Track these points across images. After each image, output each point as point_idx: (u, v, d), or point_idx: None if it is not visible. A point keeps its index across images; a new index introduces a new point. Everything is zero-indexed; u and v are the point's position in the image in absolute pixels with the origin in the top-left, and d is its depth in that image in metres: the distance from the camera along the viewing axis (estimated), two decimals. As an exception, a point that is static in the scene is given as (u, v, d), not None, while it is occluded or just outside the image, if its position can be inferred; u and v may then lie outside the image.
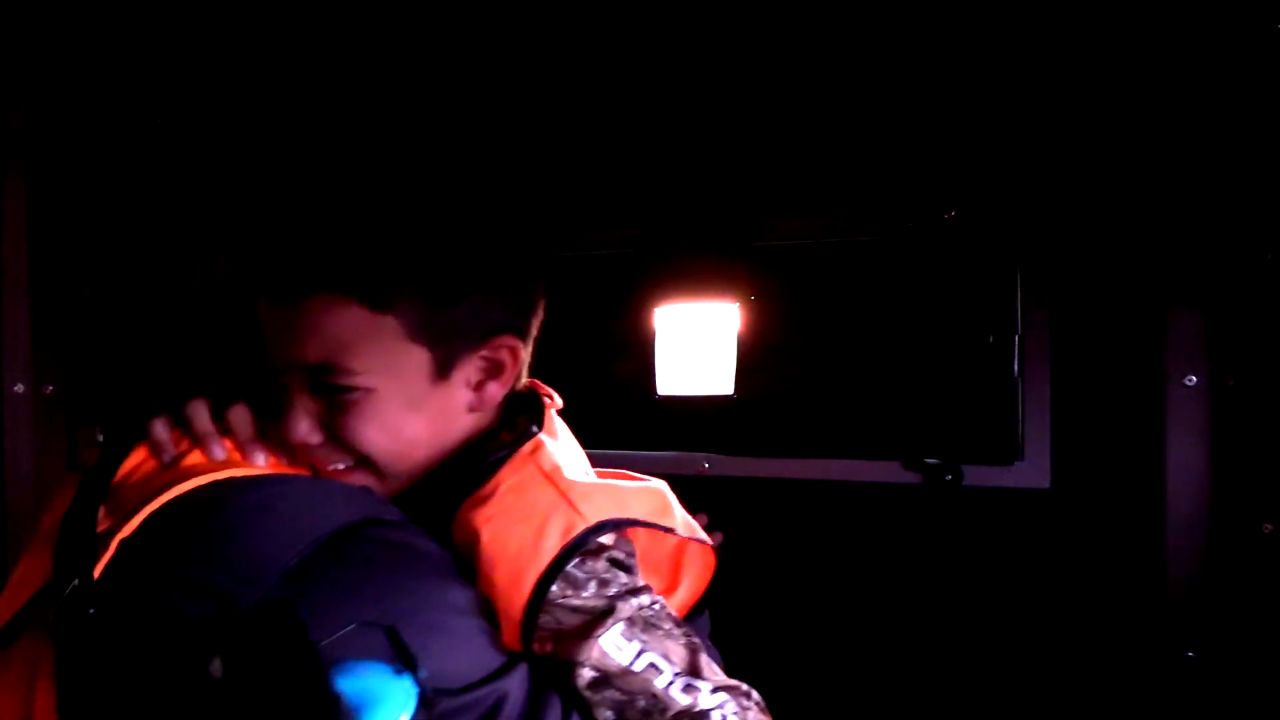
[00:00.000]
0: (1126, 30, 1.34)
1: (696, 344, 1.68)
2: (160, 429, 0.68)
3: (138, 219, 1.50)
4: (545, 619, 0.65)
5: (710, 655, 0.69)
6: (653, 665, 0.64)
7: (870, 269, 1.58)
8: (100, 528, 0.59)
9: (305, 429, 0.70)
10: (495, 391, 0.76)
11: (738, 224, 1.65)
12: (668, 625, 0.67)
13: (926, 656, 1.51)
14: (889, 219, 1.55)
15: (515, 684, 0.61)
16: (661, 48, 1.49)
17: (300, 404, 0.70)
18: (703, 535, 0.83)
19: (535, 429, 0.76)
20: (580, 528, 0.68)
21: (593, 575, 0.67)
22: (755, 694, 0.67)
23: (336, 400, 0.70)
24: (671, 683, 0.63)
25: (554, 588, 0.65)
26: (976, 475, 1.48)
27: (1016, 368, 1.47)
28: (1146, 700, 1.38)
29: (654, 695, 0.63)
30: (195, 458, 0.66)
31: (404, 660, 0.47)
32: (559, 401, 0.84)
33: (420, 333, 0.70)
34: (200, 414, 0.69)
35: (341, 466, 0.73)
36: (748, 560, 1.24)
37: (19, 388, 1.62)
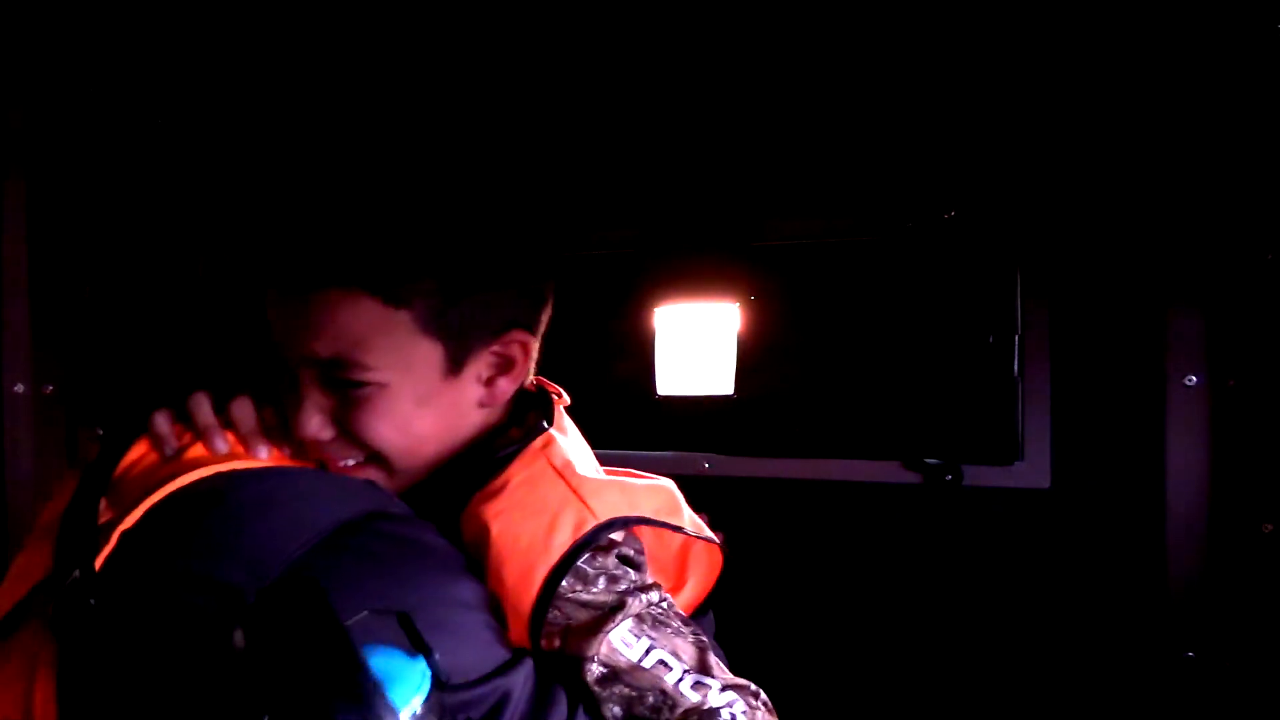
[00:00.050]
0: (1126, 30, 1.34)
1: (696, 344, 1.68)
2: (162, 422, 0.68)
3: (138, 217, 1.50)
4: (554, 614, 0.65)
5: (717, 655, 0.69)
6: (662, 662, 0.64)
7: (870, 269, 1.58)
8: (101, 520, 0.59)
9: (316, 425, 0.70)
10: (506, 387, 0.76)
11: (738, 224, 1.65)
12: (676, 623, 0.67)
13: (927, 656, 1.51)
14: (889, 219, 1.55)
15: (520, 680, 0.60)
16: (662, 48, 1.49)
17: (311, 399, 0.70)
18: (710, 534, 0.83)
19: (546, 424, 0.76)
20: (591, 524, 0.68)
21: (603, 571, 0.67)
22: (763, 694, 0.67)
23: (348, 395, 0.69)
24: (681, 679, 0.63)
25: (564, 583, 0.65)
26: (976, 475, 1.48)
27: (1016, 368, 1.47)
28: (1146, 700, 1.38)
29: (663, 691, 0.63)
30: (197, 450, 0.65)
31: (417, 645, 0.47)
32: (567, 399, 0.84)
33: (433, 327, 0.70)
34: (202, 407, 0.69)
35: (351, 463, 0.72)
36: (748, 560, 1.24)
37: (19, 388, 1.62)
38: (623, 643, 0.64)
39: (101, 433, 0.70)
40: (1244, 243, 1.30)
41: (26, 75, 1.57)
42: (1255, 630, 1.29)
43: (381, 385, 0.69)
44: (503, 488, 0.70)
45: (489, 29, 1.44)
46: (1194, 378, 1.35)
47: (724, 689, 0.64)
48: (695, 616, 0.81)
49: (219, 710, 0.46)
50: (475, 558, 0.67)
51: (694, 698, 0.62)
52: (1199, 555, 1.35)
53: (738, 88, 1.54)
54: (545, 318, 0.80)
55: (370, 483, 0.69)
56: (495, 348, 0.74)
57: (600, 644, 0.63)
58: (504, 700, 0.58)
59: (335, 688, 0.41)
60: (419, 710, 0.45)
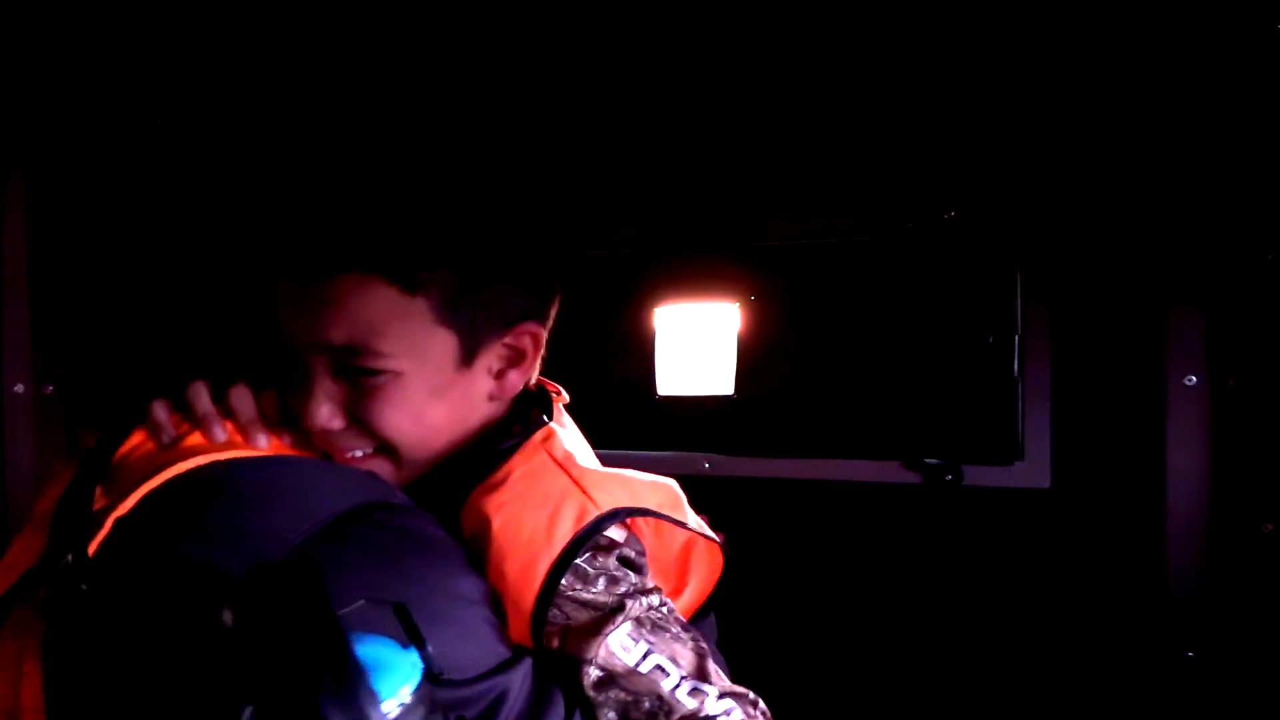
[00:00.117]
0: (1126, 30, 1.34)
1: (696, 344, 1.68)
2: (160, 410, 0.67)
3: (139, 213, 1.50)
4: (554, 613, 0.64)
5: (717, 662, 0.68)
6: (659, 667, 0.63)
7: (870, 269, 1.58)
8: (96, 507, 0.58)
9: (326, 414, 0.69)
10: (515, 380, 0.76)
11: (738, 224, 1.65)
12: (676, 628, 0.67)
13: (927, 656, 1.51)
14: (889, 219, 1.55)
15: (518, 680, 0.60)
16: (662, 49, 1.49)
17: (321, 388, 0.69)
18: (710, 533, 0.82)
19: (546, 418, 0.76)
20: (593, 514, 0.67)
21: (603, 571, 0.66)
22: (761, 702, 0.66)
23: (361, 384, 0.69)
24: (678, 685, 0.62)
25: (564, 580, 0.65)
26: (976, 475, 1.48)
27: (1016, 368, 1.47)
28: (1146, 700, 1.38)
29: (660, 697, 0.62)
30: (196, 439, 0.65)
31: (412, 636, 0.47)
32: (566, 396, 0.84)
33: (448, 317, 0.70)
34: (201, 395, 0.68)
35: (359, 454, 0.72)
36: (748, 560, 1.24)
37: (19, 388, 1.62)
38: (621, 646, 0.63)
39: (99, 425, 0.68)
40: (1244, 243, 1.30)
41: (26, 75, 1.57)
42: (1255, 630, 1.29)
43: (396, 374, 0.68)
44: (504, 480, 0.69)
45: (492, 30, 1.44)
46: (1194, 378, 1.35)
47: (721, 696, 0.63)
48: (697, 618, 0.80)
49: (205, 688, 0.45)
50: (475, 552, 0.66)
51: (690, 704, 0.62)
52: (1199, 555, 1.35)
53: (738, 89, 1.54)
54: (554, 313, 0.80)
55: (371, 474, 0.68)
56: (507, 340, 0.74)
57: (598, 647, 0.63)
58: (501, 698, 0.58)
59: (320, 671, 0.40)
60: (408, 700, 0.44)
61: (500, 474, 0.70)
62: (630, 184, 1.68)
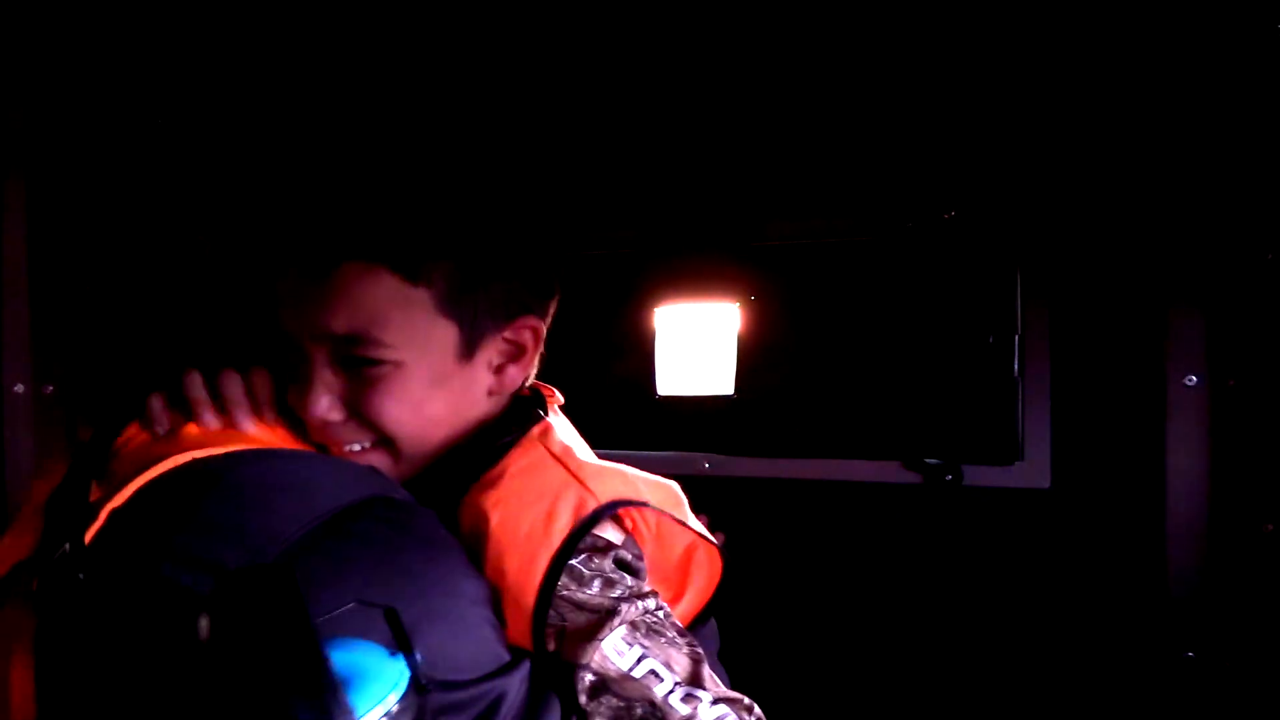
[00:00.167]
0: (1126, 30, 1.34)
1: (696, 344, 1.68)
2: (156, 402, 0.67)
3: (140, 205, 1.50)
4: (551, 614, 0.63)
5: (716, 671, 0.67)
6: (653, 672, 0.62)
7: (870, 269, 1.58)
8: (91, 499, 0.57)
9: (326, 405, 0.69)
10: (515, 375, 0.76)
11: (738, 224, 1.65)
12: (671, 633, 0.66)
13: (927, 656, 1.51)
14: (889, 219, 1.55)
15: (516, 684, 0.59)
16: (662, 49, 1.49)
17: (321, 379, 0.69)
18: (709, 536, 0.82)
19: (542, 414, 0.76)
20: (592, 505, 0.66)
21: (599, 573, 0.65)
22: (757, 709, 0.65)
23: (361, 374, 0.68)
24: (671, 691, 0.61)
25: (560, 579, 0.64)
26: (976, 475, 1.48)
27: (1016, 368, 1.47)
28: (1146, 700, 1.38)
29: (652, 703, 0.61)
30: (192, 431, 0.64)
31: (400, 643, 0.46)
32: (560, 398, 0.84)
33: (450, 309, 0.70)
34: (195, 384, 0.68)
35: (358, 447, 0.71)
36: (748, 560, 1.24)
37: (19, 388, 1.62)
38: (615, 651, 0.62)
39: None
40: (1244, 243, 1.30)
41: (26, 75, 1.57)
42: (1255, 630, 1.29)
43: (397, 364, 0.68)
44: (500, 476, 0.69)
45: (494, 29, 1.44)
46: (1194, 378, 1.35)
47: (715, 702, 0.62)
48: (695, 625, 0.79)
49: (182, 696, 0.45)
50: (473, 550, 0.65)
51: (683, 710, 0.61)
52: (1199, 555, 1.35)
53: (738, 89, 1.54)
54: (553, 308, 0.80)
55: (372, 468, 0.68)
56: (507, 334, 0.75)
57: (593, 651, 0.61)
58: (498, 702, 0.57)
59: (293, 686, 0.40)
60: (394, 709, 0.43)
61: (497, 470, 0.69)
62: (630, 184, 1.68)
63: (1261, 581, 1.28)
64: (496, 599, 0.64)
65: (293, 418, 0.71)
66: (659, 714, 0.61)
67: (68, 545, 0.53)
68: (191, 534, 0.53)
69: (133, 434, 0.65)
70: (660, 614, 0.66)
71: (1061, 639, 1.44)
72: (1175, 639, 1.36)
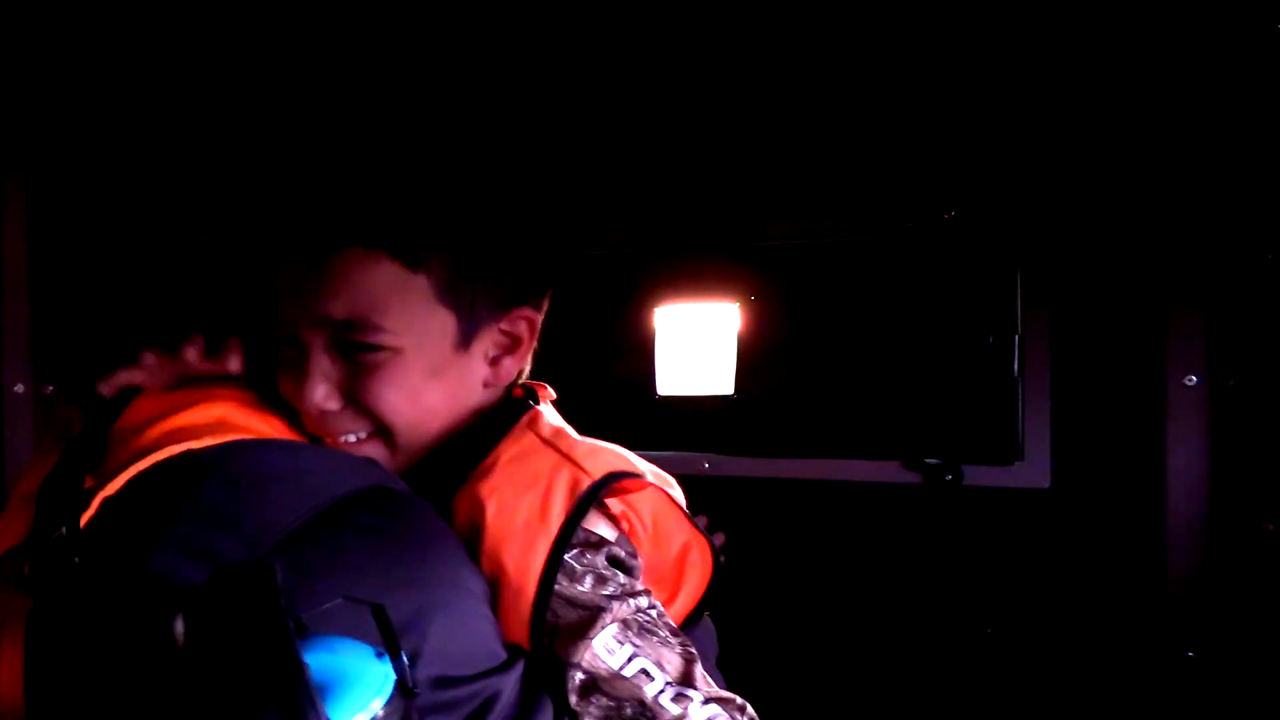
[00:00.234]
0: (1126, 30, 1.34)
1: (696, 344, 1.68)
2: (149, 357, 0.67)
3: (141, 204, 1.50)
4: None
5: (711, 674, 0.66)
6: (644, 671, 0.61)
7: (870, 269, 1.58)
8: (84, 487, 0.57)
9: (323, 393, 0.68)
10: (510, 367, 0.76)
11: (738, 224, 1.65)
12: (664, 632, 0.65)
13: (927, 656, 1.51)
14: (889, 219, 1.55)
15: (510, 684, 0.58)
16: (662, 50, 1.49)
17: (318, 367, 0.68)
18: (702, 529, 0.81)
19: (532, 404, 0.76)
20: (586, 483, 0.65)
21: (591, 569, 0.64)
22: (750, 708, 0.64)
23: (359, 362, 0.68)
24: (662, 691, 0.60)
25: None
26: (976, 475, 1.48)
27: (1016, 368, 1.47)
28: (1146, 700, 1.38)
29: (642, 703, 0.60)
30: (188, 419, 0.63)
31: (388, 643, 0.44)
32: (553, 393, 0.84)
33: (448, 297, 0.69)
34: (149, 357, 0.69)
35: (353, 439, 0.71)
36: (748, 560, 1.24)
37: (19, 388, 1.62)
38: (605, 649, 0.61)
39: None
40: (1244, 243, 1.30)
41: (26, 75, 1.57)
42: (1255, 630, 1.29)
43: (395, 350, 0.68)
44: (493, 466, 0.68)
45: (494, 30, 1.44)
46: (1194, 378, 1.35)
47: (706, 702, 0.61)
48: (688, 624, 0.79)
49: (159, 696, 0.44)
50: (469, 544, 0.64)
51: (674, 710, 0.60)
52: (1199, 555, 1.35)
53: (737, 89, 1.54)
54: (548, 303, 0.80)
55: (369, 460, 0.67)
56: (503, 325, 0.75)
57: (584, 650, 0.61)
58: (491, 701, 0.56)
59: (269, 693, 0.39)
60: (378, 715, 0.42)
61: (488, 461, 0.69)
62: (630, 184, 1.68)
63: (1261, 581, 1.28)
64: (493, 594, 0.63)
65: (288, 411, 0.70)
66: (649, 714, 0.60)
67: (64, 529, 0.52)
68: (186, 523, 0.52)
69: (126, 423, 0.64)
70: (653, 613, 0.66)
71: (1062, 639, 1.44)
72: (1175, 639, 1.36)
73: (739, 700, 0.64)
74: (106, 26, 1.48)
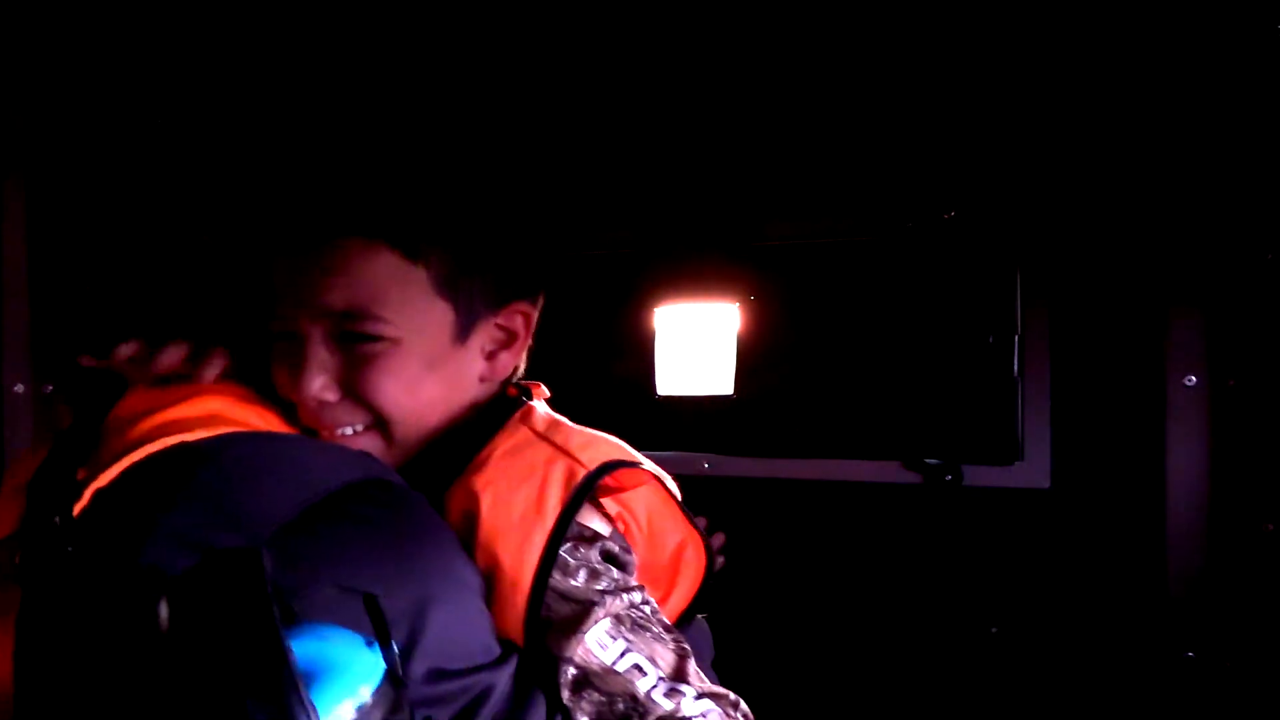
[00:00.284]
0: (1126, 30, 1.34)
1: (696, 344, 1.68)
2: (127, 349, 0.67)
3: (141, 203, 1.50)
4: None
5: (705, 672, 0.66)
6: (636, 666, 0.61)
7: (870, 269, 1.58)
8: (77, 478, 0.56)
9: (320, 385, 0.68)
10: (506, 362, 0.77)
11: (738, 224, 1.65)
12: (657, 628, 0.65)
13: (927, 656, 1.51)
14: (889, 219, 1.55)
15: (503, 679, 0.57)
16: (662, 49, 1.49)
17: (316, 358, 0.68)
18: (696, 523, 0.80)
19: (525, 399, 0.76)
20: (582, 474, 0.65)
21: (584, 563, 0.64)
22: (743, 704, 0.64)
23: (357, 353, 0.68)
24: (654, 686, 0.60)
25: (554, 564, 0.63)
26: (976, 475, 1.48)
27: (1016, 368, 1.47)
28: (1146, 700, 1.38)
29: (634, 698, 0.60)
30: (182, 412, 0.62)
31: (379, 633, 0.44)
32: (547, 392, 0.84)
33: (447, 290, 0.70)
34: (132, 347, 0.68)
35: (350, 431, 0.71)
36: (748, 561, 1.24)
37: (19, 388, 1.62)
38: (598, 644, 0.61)
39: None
40: (1244, 243, 1.30)
41: (26, 75, 1.57)
42: (1255, 630, 1.29)
43: (394, 341, 0.68)
44: (487, 460, 0.68)
45: (493, 29, 1.44)
46: (1194, 378, 1.35)
47: (699, 697, 0.61)
48: (681, 622, 0.78)
49: (144, 685, 0.44)
50: (464, 538, 0.64)
51: (667, 706, 0.60)
52: (1199, 555, 1.35)
53: (737, 89, 1.54)
54: (543, 298, 0.80)
55: (365, 453, 0.68)
56: (500, 319, 0.75)
57: (577, 645, 0.60)
58: (484, 696, 0.56)
59: (252, 682, 0.38)
60: (366, 703, 0.42)
61: (482, 456, 0.69)
62: (630, 184, 1.68)
63: (1261, 581, 1.28)
64: (488, 588, 0.63)
65: (283, 405, 0.70)
66: (640, 709, 0.60)
67: (57, 519, 0.52)
68: (179, 515, 0.52)
69: (120, 414, 0.64)
70: (646, 609, 0.66)
71: (1061, 639, 1.44)
72: (1175, 639, 1.36)
73: (732, 696, 0.64)
74: (106, 26, 1.48)
